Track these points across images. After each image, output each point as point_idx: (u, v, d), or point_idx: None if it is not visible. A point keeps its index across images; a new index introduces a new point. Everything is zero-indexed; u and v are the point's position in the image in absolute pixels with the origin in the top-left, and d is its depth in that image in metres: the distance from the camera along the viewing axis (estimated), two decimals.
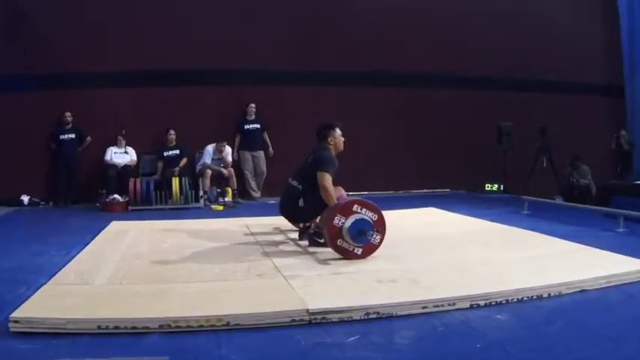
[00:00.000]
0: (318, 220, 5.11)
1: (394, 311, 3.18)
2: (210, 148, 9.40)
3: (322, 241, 4.95)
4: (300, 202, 4.99)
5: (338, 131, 5.13)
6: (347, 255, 4.54)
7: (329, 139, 5.09)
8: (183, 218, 7.35)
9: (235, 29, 9.67)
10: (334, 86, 10.15)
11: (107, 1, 9.30)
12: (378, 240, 4.62)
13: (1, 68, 8.82)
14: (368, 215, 4.57)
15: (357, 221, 4.51)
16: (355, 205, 4.59)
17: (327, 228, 4.57)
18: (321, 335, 2.89)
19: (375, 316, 3.14)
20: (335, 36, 10.14)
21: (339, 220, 4.52)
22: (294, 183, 5.10)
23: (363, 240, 4.52)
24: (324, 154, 4.97)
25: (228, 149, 9.52)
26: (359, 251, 4.55)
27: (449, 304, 3.27)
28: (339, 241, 4.53)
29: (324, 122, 5.23)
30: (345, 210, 4.56)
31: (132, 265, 4.38)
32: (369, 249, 4.59)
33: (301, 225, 5.37)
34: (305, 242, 5.18)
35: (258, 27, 9.60)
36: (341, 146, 5.17)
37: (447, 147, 10.67)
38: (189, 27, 9.55)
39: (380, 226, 4.61)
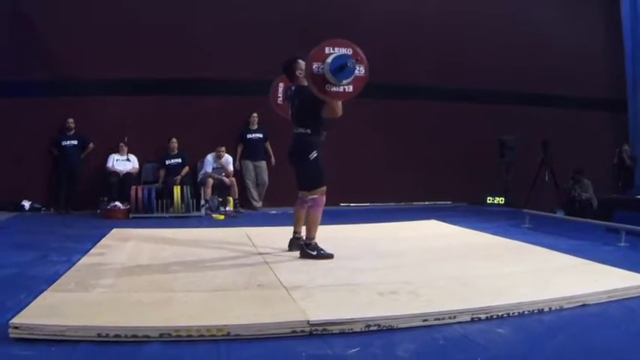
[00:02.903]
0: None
1: (395, 324, 3.16)
2: (210, 157, 9.43)
3: (314, 253, 4.91)
4: (312, 155, 4.88)
5: (301, 62, 5.02)
6: (340, 96, 4.61)
7: (297, 73, 5.05)
8: (184, 227, 7.34)
9: (239, 39, 9.70)
10: None
11: (112, 9, 9.34)
12: (363, 71, 4.66)
13: (5, 73, 8.86)
14: (342, 51, 4.61)
15: (334, 59, 4.54)
16: (327, 48, 4.62)
17: (312, 80, 4.59)
18: (322, 347, 2.88)
19: (375, 328, 3.13)
20: None
21: (318, 68, 4.55)
22: (301, 130, 4.96)
23: (348, 73, 4.56)
24: (309, 91, 4.81)
25: (229, 158, 9.53)
26: (350, 88, 4.62)
27: (450, 317, 3.26)
28: (327, 86, 4.57)
29: (286, 59, 5.19)
30: (319, 55, 4.59)
31: (133, 273, 4.37)
32: (359, 82, 4.67)
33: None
34: (295, 253, 5.09)
35: (262, 37, 9.61)
36: None
37: (449, 159, 10.67)
38: (194, 36, 9.60)
39: (358, 56, 4.66)
